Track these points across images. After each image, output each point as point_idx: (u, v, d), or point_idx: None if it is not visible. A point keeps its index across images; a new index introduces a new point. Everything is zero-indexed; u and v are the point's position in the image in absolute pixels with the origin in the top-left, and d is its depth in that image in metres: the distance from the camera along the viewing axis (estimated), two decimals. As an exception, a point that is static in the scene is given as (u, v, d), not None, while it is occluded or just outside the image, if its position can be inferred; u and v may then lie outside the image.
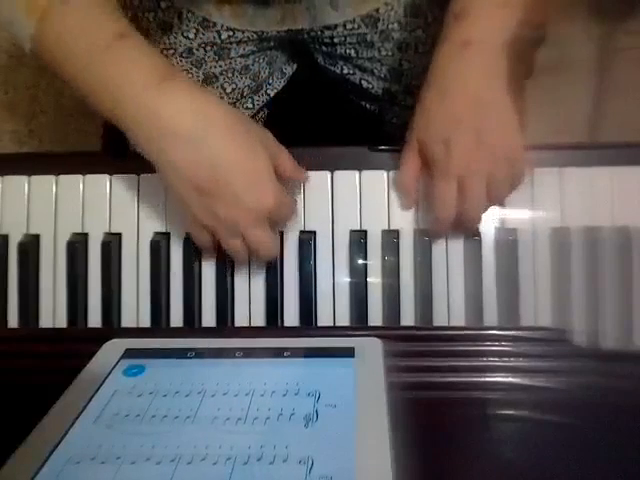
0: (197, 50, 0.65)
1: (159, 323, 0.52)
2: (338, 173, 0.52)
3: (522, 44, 0.48)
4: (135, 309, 0.53)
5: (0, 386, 0.41)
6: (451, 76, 0.49)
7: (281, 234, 0.52)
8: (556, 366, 0.43)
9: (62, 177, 0.54)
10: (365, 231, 0.52)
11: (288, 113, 0.72)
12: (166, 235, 0.53)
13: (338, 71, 0.69)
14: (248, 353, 0.42)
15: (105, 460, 0.33)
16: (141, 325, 0.52)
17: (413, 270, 0.51)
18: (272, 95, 0.71)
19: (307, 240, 0.52)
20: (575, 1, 1.34)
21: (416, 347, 0.45)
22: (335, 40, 0.66)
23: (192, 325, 0.52)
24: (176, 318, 0.52)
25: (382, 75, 0.68)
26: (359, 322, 0.51)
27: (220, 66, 0.66)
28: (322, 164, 0.53)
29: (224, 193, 0.44)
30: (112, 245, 0.53)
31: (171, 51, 0.64)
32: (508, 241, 0.51)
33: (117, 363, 0.42)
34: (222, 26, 0.64)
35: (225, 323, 0.52)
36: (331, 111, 0.76)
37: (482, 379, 0.43)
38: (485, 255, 0.51)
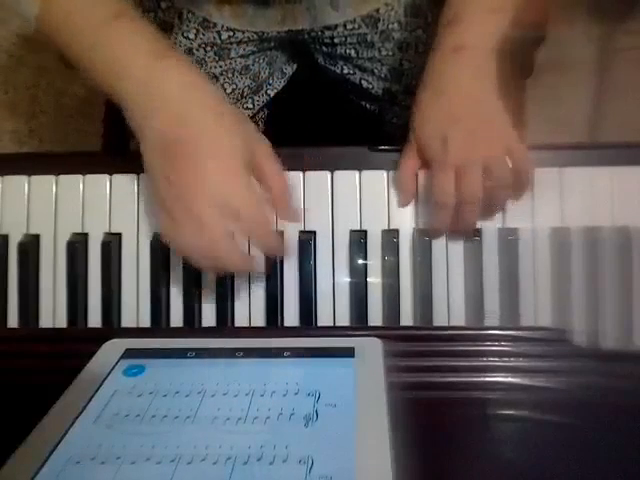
0: (197, 50, 0.65)
1: (159, 323, 0.52)
2: (338, 173, 0.52)
3: (517, 46, 0.49)
4: (135, 309, 0.53)
5: (0, 386, 0.41)
6: (446, 78, 0.50)
7: (281, 234, 0.52)
8: (556, 366, 0.43)
9: (62, 177, 0.54)
10: (365, 231, 0.52)
11: (288, 113, 0.72)
12: (166, 235, 0.53)
13: (338, 71, 0.70)
14: (248, 353, 0.42)
15: (105, 460, 0.33)
16: (141, 325, 0.52)
17: (413, 270, 0.51)
18: (272, 95, 0.71)
19: (307, 240, 0.52)
20: (575, 1, 1.34)
21: (416, 347, 0.45)
22: (335, 40, 0.66)
23: (192, 325, 0.52)
24: (176, 318, 0.52)
25: (382, 75, 0.68)
26: (359, 322, 0.51)
27: (220, 66, 0.66)
28: (322, 164, 0.53)
29: (191, 167, 0.42)
30: (112, 245, 0.53)
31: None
32: (508, 241, 0.51)
33: (117, 363, 0.42)
34: (222, 26, 0.64)
35: (225, 323, 0.52)
36: (331, 111, 0.76)
37: (482, 379, 0.43)
38: (485, 255, 0.51)
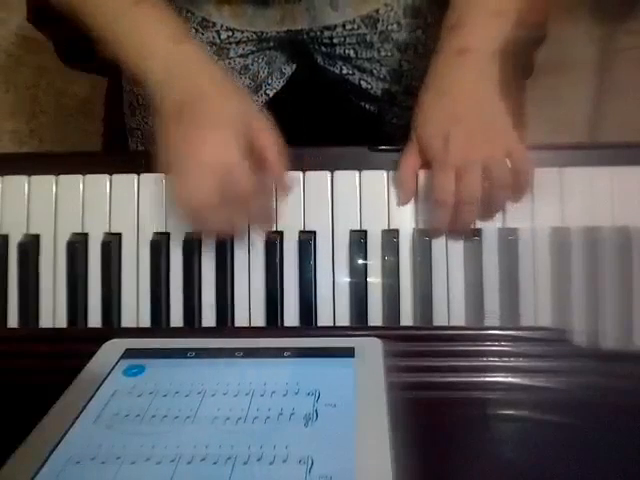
0: (197, 50, 0.65)
1: (159, 323, 0.52)
2: (338, 173, 0.52)
3: (518, 47, 0.49)
4: (135, 309, 0.53)
5: (0, 386, 0.41)
6: (449, 80, 0.50)
7: (281, 234, 0.52)
8: (556, 366, 0.43)
9: (62, 177, 0.54)
10: (365, 231, 0.52)
11: (287, 113, 0.72)
12: (166, 235, 0.53)
13: (337, 71, 0.69)
14: (248, 353, 0.42)
15: (105, 460, 0.33)
16: (141, 325, 0.52)
17: (413, 270, 0.51)
18: (271, 95, 0.71)
19: (307, 240, 0.52)
20: (576, 2, 1.34)
21: (416, 347, 0.45)
22: (335, 40, 0.66)
23: (192, 325, 0.52)
24: (176, 318, 0.52)
25: (382, 76, 0.68)
26: (359, 322, 0.51)
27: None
28: (322, 164, 0.53)
29: (198, 130, 0.47)
30: (112, 245, 0.53)
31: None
32: (508, 241, 0.51)
33: (117, 363, 0.42)
34: (221, 26, 0.64)
35: (225, 323, 0.52)
36: (331, 111, 0.76)
37: (482, 379, 0.43)
38: (485, 255, 0.51)
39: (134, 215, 0.53)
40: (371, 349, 0.42)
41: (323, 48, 0.68)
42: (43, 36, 0.94)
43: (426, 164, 0.51)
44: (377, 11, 0.64)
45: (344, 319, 0.51)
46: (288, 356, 0.42)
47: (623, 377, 0.42)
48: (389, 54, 0.66)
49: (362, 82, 0.69)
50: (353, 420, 0.35)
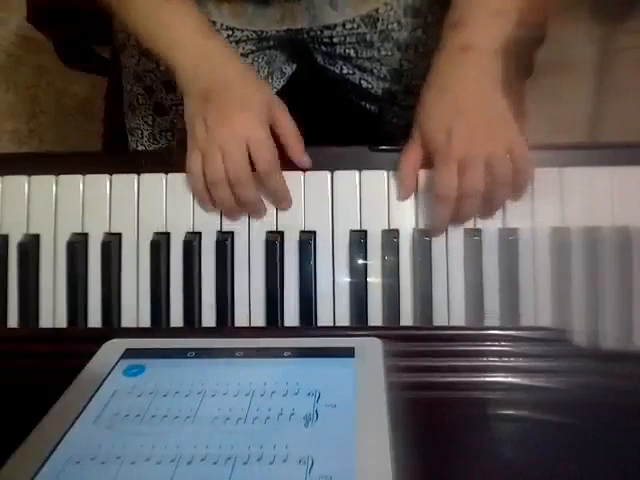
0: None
1: (159, 323, 0.52)
2: (338, 173, 0.52)
3: (519, 46, 0.49)
4: (135, 309, 0.53)
5: (0, 386, 0.41)
6: (451, 77, 0.50)
7: (281, 234, 0.52)
8: (556, 366, 0.43)
9: (62, 177, 0.54)
10: (365, 231, 0.52)
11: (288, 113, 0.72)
12: (166, 235, 0.53)
13: (338, 71, 0.69)
14: (248, 353, 0.42)
15: (105, 460, 0.32)
16: (141, 325, 0.52)
17: (413, 270, 0.51)
18: (272, 95, 0.71)
19: (307, 240, 0.52)
20: (576, 2, 1.34)
21: (416, 347, 0.45)
22: (335, 40, 0.66)
23: (192, 325, 0.52)
24: (176, 318, 0.52)
25: (382, 75, 0.68)
26: (359, 322, 0.51)
27: (220, 66, 0.66)
28: (322, 164, 0.53)
29: (223, 112, 0.51)
30: (112, 245, 0.53)
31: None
32: (508, 241, 0.51)
33: (117, 363, 0.42)
34: (221, 25, 0.64)
35: (225, 323, 0.52)
36: (331, 111, 0.76)
37: (482, 379, 0.43)
38: (485, 255, 0.51)
39: (134, 215, 0.53)
40: (371, 349, 0.42)
41: (323, 47, 0.68)
42: (43, 36, 0.94)
43: (427, 163, 0.51)
44: (377, 10, 0.64)
45: (344, 319, 0.51)
46: (288, 356, 0.42)
47: (623, 377, 0.42)
48: (389, 53, 0.66)
49: (362, 81, 0.69)
50: (353, 420, 0.35)
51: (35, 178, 0.54)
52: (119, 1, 0.56)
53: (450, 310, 0.51)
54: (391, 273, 0.51)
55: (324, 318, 0.51)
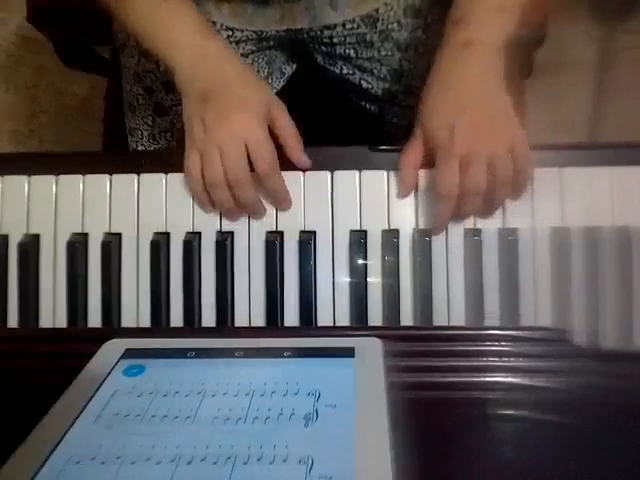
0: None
1: (159, 323, 0.52)
2: (338, 173, 0.52)
3: (520, 45, 0.49)
4: (135, 309, 0.53)
5: (0, 386, 0.41)
6: (454, 73, 0.50)
7: (281, 234, 0.52)
8: (556, 366, 0.43)
9: (62, 177, 0.54)
10: (365, 231, 0.52)
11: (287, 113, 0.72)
12: (166, 235, 0.53)
13: (338, 71, 0.69)
14: (248, 353, 0.42)
15: (105, 460, 0.33)
16: (141, 325, 0.52)
17: (413, 270, 0.51)
18: (272, 95, 0.71)
19: (307, 240, 0.52)
20: (576, 1, 1.34)
21: (416, 347, 0.45)
22: (334, 40, 0.66)
23: (192, 325, 0.52)
24: (176, 318, 0.52)
25: (382, 75, 0.68)
26: (359, 322, 0.51)
27: (220, 66, 0.66)
28: (322, 164, 0.53)
29: (222, 112, 0.51)
30: (112, 245, 0.53)
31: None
32: (508, 241, 0.51)
33: (117, 363, 0.42)
34: (221, 25, 0.64)
35: (225, 323, 0.52)
36: (331, 111, 0.76)
37: (482, 379, 0.43)
38: (485, 255, 0.51)
39: (134, 215, 0.53)
40: (371, 349, 0.42)
41: (323, 47, 0.68)
42: (43, 36, 0.94)
43: (427, 161, 0.50)
44: (377, 10, 0.64)
45: (344, 319, 0.51)
46: (288, 356, 0.42)
47: (623, 377, 0.42)
48: (389, 53, 0.66)
49: (362, 82, 0.69)
50: (353, 420, 0.35)
51: (35, 178, 0.54)
52: (118, 1, 0.55)
53: (450, 310, 0.51)
54: (391, 273, 0.51)
55: (324, 318, 0.51)
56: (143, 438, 0.34)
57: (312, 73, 0.72)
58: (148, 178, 0.53)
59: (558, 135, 1.20)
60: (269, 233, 0.52)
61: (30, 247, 0.53)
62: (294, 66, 0.73)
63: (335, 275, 0.52)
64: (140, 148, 0.72)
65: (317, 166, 0.53)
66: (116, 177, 0.54)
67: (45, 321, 0.53)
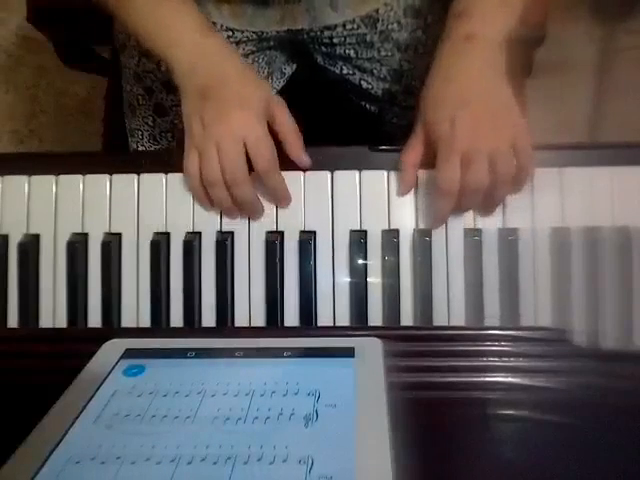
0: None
1: (159, 323, 0.52)
2: (338, 173, 0.52)
3: (521, 42, 0.49)
4: (135, 309, 0.53)
5: (0, 386, 0.41)
6: (456, 67, 0.50)
7: (281, 234, 0.52)
8: (556, 366, 0.43)
9: (62, 177, 0.54)
10: (365, 231, 0.52)
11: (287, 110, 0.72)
12: (166, 235, 0.53)
13: (338, 71, 0.69)
14: (248, 353, 0.42)
15: (105, 460, 0.33)
16: (141, 325, 0.52)
17: (413, 270, 0.51)
18: (272, 95, 0.71)
19: (307, 240, 0.52)
20: (576, 1, 1.34)
21: (416, 347, 0.45)
22: (335, 40, 0.66)
23: (192, 325, 0.52)
24: (176, 318, 0.53)
25: (382, 75, 0.68)
26: (359, 322, 0.51)
27: (220, 66, 0.66)
28: (322, 164, 0.53)
29: (220, 110, 0.51)
30: (112, 245, 0.53)
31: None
32: (508, 241, 0.51)
33: (117, 363, 0.42)
34: (221, 26, 0.64)
35: (225, 323, 0.52)
36: (331, 111, 0.76)
37: (482, 379, 0.43)
38: (485, 255, 0.51)
39: (134, 215, 0.53)
40: (371, 349, 0.42)
41: (323, 48, 0.68)
42: (43, 36, 0.94)
43: (428, 159, 0.50)
44: (377, 11, 0.64)
45: (344, 319, 0.51)
46: (288, 356, 0.42)
47: (623, 377, 0.42)
48: (389, 54, 0.66)
49: (362, 82, 0.69)
50: (353, 420, 0.35)
51: (35, 178, 0.54)
52: (119, 0, 0.55)
53: (450, 310, 0.51)
54: (391, 273, 0.51)
55: (324, 318, 0.51)
56: (143, 438, 0.34)
57: (312, 73, 0.72)
58: (148, 178, 0.53)
59: (558, 135, 1.20)
60: (269, 233, 0.52)
61: (30, 247, 0.53)
62: (294, 66, 0.73)
63: (335, 275, 0.52)
64: (140, 149, 0.72)
65: (317, 166, 0.53)
66: (116, 177, 0.54)
67: (45, 321, 0.53)
